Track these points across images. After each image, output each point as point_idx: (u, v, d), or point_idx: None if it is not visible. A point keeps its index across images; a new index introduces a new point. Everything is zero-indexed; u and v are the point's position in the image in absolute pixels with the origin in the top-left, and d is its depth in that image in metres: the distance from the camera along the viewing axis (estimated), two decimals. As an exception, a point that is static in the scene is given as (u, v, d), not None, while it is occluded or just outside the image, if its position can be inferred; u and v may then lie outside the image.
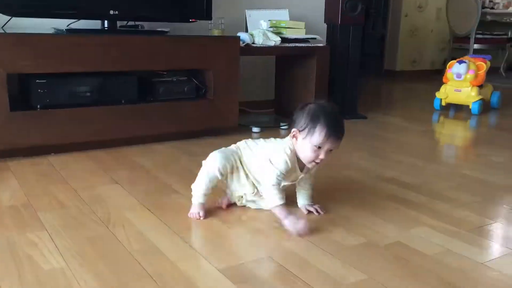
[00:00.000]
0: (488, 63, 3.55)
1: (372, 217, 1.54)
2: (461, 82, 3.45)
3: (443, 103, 3.59)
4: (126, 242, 1.31)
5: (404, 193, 1.78)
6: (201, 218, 1.49)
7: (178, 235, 1.37)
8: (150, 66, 2.34)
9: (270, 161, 1.44)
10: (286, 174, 1.44)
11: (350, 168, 2.09)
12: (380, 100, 4.34)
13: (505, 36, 6.04)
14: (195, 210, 1.51)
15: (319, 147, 1.40)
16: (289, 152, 1.44)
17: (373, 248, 1.32)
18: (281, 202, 1.40)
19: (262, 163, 1.46)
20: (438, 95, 3.58)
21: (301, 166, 1.48)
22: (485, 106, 3.62)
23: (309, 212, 1.56)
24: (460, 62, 3.45)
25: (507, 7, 5.80)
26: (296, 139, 1.44)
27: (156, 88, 2.41)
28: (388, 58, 5.95)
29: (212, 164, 1.49)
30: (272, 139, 1.58)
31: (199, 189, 1.51)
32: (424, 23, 5.96)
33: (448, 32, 5.73)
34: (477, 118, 3.38)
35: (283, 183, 1.46)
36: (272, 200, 1.41)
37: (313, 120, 1.40)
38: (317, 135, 1.39)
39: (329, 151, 1.42)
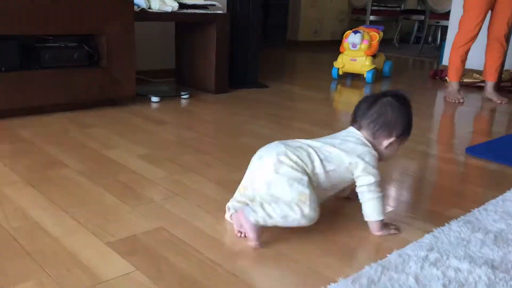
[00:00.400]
0: (381, 33, 3.73)
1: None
2: (357, 52, 3.60)
3: (341, 72, 3.72)
4: (4, 221, 1.21)
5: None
6: None
7: (64, 211, 1.28)
8: (34, 29, 2.14)
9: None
10: None
11: (250, 135, 2.10)
12: (283, 70, 4.41)
13: (398, 9, 6.39)
14: None
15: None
16: (369, 144, 1.27)
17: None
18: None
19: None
20: (336, 64, 3.71)
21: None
22: (378, 75, 3.82)
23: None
24: (355, 32, 3.58)
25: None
26: (387, 147, 1.29)
27: (41, 55, 2.22)
28: (290, 29, 6.05)
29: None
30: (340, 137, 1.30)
31: None
32: (324, -5, 6.13)
33: (347, 4, 5.94)
34: (370, 86, 3.56)
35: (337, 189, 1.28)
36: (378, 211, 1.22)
37: (410, 121, 1.30)
38: (404, 137, 1.31)
39: None
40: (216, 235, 1.19)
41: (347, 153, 1.23)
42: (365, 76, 3.62)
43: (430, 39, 6.44)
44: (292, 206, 1.12)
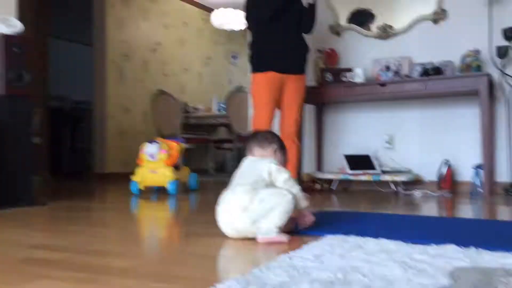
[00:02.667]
0: (182, 144, 3.58)
1: None
2: (156, 163, 3.35)
3: (141, 187, 3.38)
4: None
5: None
6: None
7: None
8: None
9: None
10: None
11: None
12: (81, 198, 3.90)
13: (208, 136, 6.54)
14: None
15: None
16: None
17: None
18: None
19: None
20: (134, 178, 3.38)
21: None
22: (184, 188, 3.57)
23: None
24: (151, 142, 3.37)
25: (207, 111, 6.35)
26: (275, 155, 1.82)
27: None
28: (98, 162, 5.65)
29: None
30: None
31: None
32: (132, 125, 5.98)
33: (156, 133, 5.86)
34: (176, 198, 3.25)
35: None
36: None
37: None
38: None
39: None
40: None
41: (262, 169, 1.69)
42: (167, 187, 3.33)
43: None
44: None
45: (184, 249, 1.55)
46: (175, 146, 3.44)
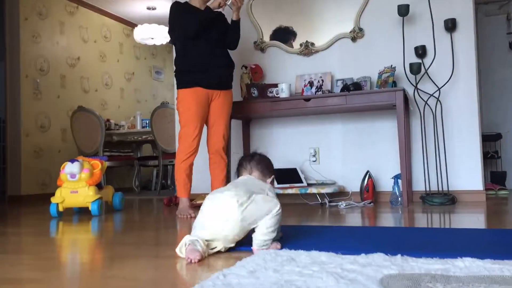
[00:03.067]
0: (105, 163, 3.44)
1: None
2: (77, 183, 3.18)
3: (61, 209, 3.19)
4: None
5: None
6: None
7: None
8: None
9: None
10: None
11: None
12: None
13: (132, 154, 6.35)
14: None
15: None
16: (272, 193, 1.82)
17: None
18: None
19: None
20: (54, 199, 3.18)
21: None
22: (108, 208, 3.41)
23: None
24: (72, 161, 3.20)
25: (131, 128, 6.17)
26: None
27: None
28: (11, 183, 5.27)
29: None
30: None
31: None
32: (50, 143, 5.66)
33: (77, 151, 5.59)
34: (99, 219, 3.10)
35: None
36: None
37: (272, 171, 1.98)
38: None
39: None
40: None
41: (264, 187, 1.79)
42: (90, 208, 3.16)
43: (169, 182, 6.50)
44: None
45: (110, 273, 1.47)
46: (98, 165, 3.29)
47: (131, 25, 7.23)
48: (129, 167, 6.41)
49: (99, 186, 3.32)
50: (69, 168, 3.16)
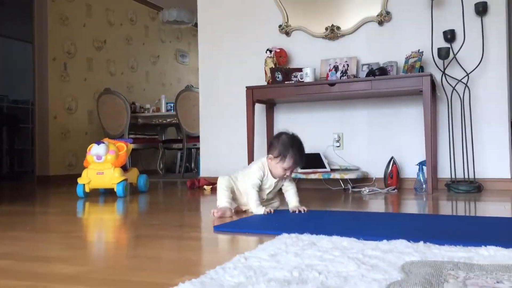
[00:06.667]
0: (130, 145, 3.49)
1: None
2: (103, 164, 3.24)
3: (87, 189, 3.26)
4: None
5: None
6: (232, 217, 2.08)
7: None
8: None
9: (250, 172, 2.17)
10: (262, 180, 2.14)
11: None
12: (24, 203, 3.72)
13: (157, 137, 6.42)
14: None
15: (287, 169, 2.12)
16: (260, 164, 2.17)
17: None
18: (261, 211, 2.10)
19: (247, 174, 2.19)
20: (80, 180, 3.25)
21: (274, 176, 2.17)
22: (133, 189, 3.47)
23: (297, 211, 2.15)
24: (99, 143, 3.26)
25: (156, 111, 6.23)
26: (271, 160, 2.13)
27: None
28: (39, 164, 5.41)
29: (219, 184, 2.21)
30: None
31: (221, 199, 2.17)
32: (77, 125, 5.77)
33: (103, 133, 5.69)
34: (124, 201, 3.15)
35: (266, 191, 2.19)
36: (252, 204, 2.13)
37: (285, 150, 2.10)
38: (287, 162, 2.10)
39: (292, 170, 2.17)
40: None
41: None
42: (115, 189, 3.23)
43: (193, 165, 6.56)
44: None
45: (134, 252, 1.50)
46: (123, 147, 3.34)
47: (156, 8, 7.25)
48: (154, 149, 6.50)
49: (124, 168, 3.38)
50: (95, 150, 3.23)
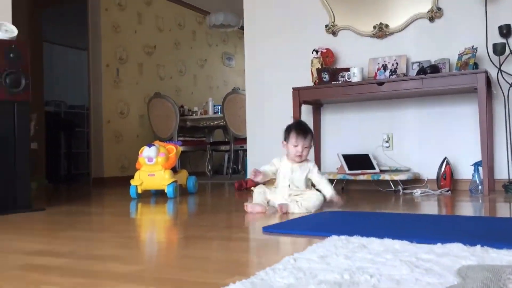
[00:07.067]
0: (179, 148, 3.56)
1: None
2: (154, 166, 3.32)
3: (139, 190, 3.36)
4: None
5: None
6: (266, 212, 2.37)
7: None
8: None
9: None
10: (276, 163, 2.52)
11: None
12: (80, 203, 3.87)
13: (205, 139, 6.51)
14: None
15: (296, 145, 2.42)
16: (279, 157, 2.55)
17: None
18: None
19: None
20: (133, 182, 3.35)
21: (291, 158, 2.48)
22: (183, 191, 3.54)
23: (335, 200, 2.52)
24: (150, 145, 3.35)
25: (204, 113, 6.32)
26: (284, 147, 2.50)
27: None
28: (94, 166, 5.62)
29: None
30: None
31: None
32: (129, 129, 5.95)
33: (153, 136, 5.84)
34: (174, 202, 3.22)
35: (287, 175, 2.47)
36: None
37: (287, 131, 2.49)
38: (292, 139, 2.44)
39: (305, 148, 2.43)
40: None
41: None
42: (166, 190, 3.30)
43: (240, 167, 6.61)
44: None
45: (184, 252, 1.53)
46: (173, 149, 3.41)
47: (203, 12, 7.36)
48: (202, 151, 6.59)
49: (174, 170, 3.45)
50: (146, 152, 3.31)
